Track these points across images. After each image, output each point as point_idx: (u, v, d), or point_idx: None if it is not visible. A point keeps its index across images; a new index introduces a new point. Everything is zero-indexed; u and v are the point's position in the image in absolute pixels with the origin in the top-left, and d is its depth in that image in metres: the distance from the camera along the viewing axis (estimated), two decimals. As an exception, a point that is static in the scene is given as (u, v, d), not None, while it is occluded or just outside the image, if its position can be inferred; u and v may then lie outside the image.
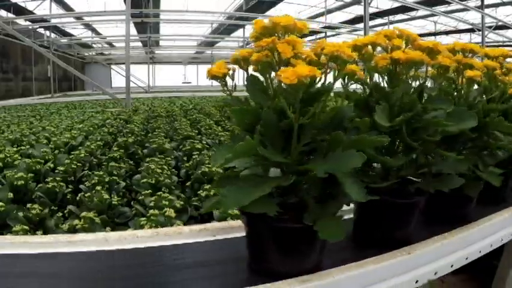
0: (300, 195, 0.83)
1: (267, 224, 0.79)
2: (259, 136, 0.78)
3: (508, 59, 1.41)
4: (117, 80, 22.04)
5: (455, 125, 0.97)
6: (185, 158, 3.77)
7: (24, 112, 8.32)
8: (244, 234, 0.88)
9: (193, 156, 3.52)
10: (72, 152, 3.64)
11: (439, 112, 0.97)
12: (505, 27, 15.04)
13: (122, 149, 3.93)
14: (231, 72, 0.86)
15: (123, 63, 16.84)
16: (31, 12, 15.00)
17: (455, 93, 1.15)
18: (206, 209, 1.54)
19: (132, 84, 9.21)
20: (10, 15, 13.63)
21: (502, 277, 1.59)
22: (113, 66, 24.04)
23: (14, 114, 7.69)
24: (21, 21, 15.34)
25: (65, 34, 19.69)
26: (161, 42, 25.17)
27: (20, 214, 2.15)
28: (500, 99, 1.29)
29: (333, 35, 21.46)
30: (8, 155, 3.34)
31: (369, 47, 0.96)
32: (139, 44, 23.47)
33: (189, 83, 28.03)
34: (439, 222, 1.15)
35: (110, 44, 24.33)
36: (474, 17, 14.51)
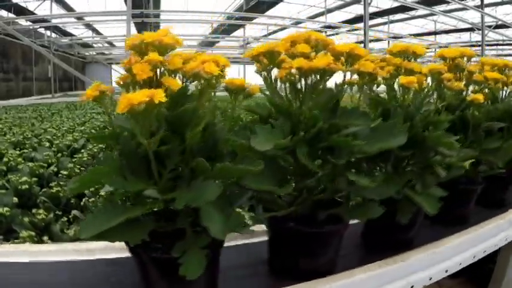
0: (179, 222, 0.74)
1: (144, 252, 0.73)
2: (119, 162, 0.71)
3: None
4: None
5: (377, 144, 0.86)
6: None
7: (26, 113, 8.34)
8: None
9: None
10: (75, 156, 3.67)
11: (360, 128, 0.87)
12: (504, 26, 15.05)
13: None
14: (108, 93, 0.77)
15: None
16: (32, 13, 15.02)
17: (394, 104, 1.03)
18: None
19: (132, 84, 9.20)
20: (11, 15, 13.64)
21: (497, 280, 1.63)
22: (113, 66, 24.06)
23: (16, 115, 7.71)
24: (22, 21, 15.36)
25: (65, 34, 19.70)
26: (161, 42, 25.19)
27: (26, 219, 2.18)
28: (454, 109, 1.24)
29: (333, 34, 21.49)
30: (12, 159, 3.36)
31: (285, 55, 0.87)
32: (140, 43, 23.50)
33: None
34: (380, 248, 1.04)
35: (111, 44, 24.34)
36: (474, 16, 14.53)
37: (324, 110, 0.85)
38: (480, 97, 1.16)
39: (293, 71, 0.83)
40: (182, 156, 0.73)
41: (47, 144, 4.28)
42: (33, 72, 16.69)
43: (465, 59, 1.24)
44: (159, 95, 0.63)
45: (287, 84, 0.86)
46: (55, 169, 3.30)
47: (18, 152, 3.76)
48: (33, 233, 1.98)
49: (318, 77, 0.83)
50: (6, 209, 2.24)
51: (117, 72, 21.46)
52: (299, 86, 0.85)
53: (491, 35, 16.52)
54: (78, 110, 9.62)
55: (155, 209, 0.77)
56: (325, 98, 0.86)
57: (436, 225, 1.22)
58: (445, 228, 1.21)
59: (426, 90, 1.06)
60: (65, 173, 3.14)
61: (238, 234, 0.90)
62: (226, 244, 0.78)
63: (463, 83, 1.23)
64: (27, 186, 2.70)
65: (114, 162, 0.70)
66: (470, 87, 1.32)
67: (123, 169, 0.71)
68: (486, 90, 1.37)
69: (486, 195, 1.37)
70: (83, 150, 3.94)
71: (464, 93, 1.24)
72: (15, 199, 2.51)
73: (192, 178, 0.72)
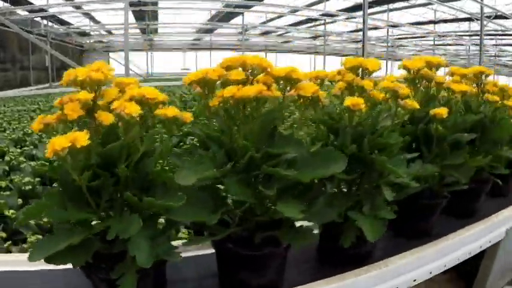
0: (116, 246, 0.77)
1: (90, 272, 0.80)
2: (60, 194, 0.76)
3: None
4: (116, 67, 21.87)
5: (312, 172, 0.85)
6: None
7: (24, 105, 8.33)
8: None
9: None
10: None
11: (297, 155, 0.86)
12: (504, 17, 15.00)
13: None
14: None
15: (122, 50, 16.74)
16: (28, 2, 14.88)
17: (343, 123, 1.00)
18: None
19: (130, 72, 9.18)
20: (6, 5, 13.52)
21: (481, 279, 1.69)
22: (111, 55, 23.93)
23: (14, 108, 7.71)
24: (19, 11, 15.21)
25: (62, 23, 19.52)
26: (160, 30, 25.00)
27: (32, 222, 2.23)
28: (418, 121, 1.22)
29: (332, 22, 21.38)
30: (13, 157, 3.40)
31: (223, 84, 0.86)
32: (138, 30, 23.34)
33: (188, 69, 27.93)
34: (335, 262, 1.05)
35: (109, 32, 24.16)
36: (473, 6, 14.46)
37: (260, 137, 0.85)
38: (443, 112, 1.14)
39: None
40: (116, 187, 0.77)
41: (47, 141, 4.30)
42: (30, 62, 16.59)
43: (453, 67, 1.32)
44: (82, 140, 0.68)
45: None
46: (57, 167, 3.34)
47: (19, 150, 3.79)
48: (40, 236, 2.03)
49: (254, 103, 0.82)
50: (12, 211, 2.29)
51: (115, 61, 21.39)
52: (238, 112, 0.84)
53: (491, 25, 16.47)
54: (76, 101, 9.62)
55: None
56: (261, 124, 0.85)
57: (400, 237, 1.25)
58: (407, 241, 1.23)
59: (380, 107, 1.05)
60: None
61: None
62: (184, 255, 0.83)
63: (425, 97, 1.25)
64: (30, 187, 2.74)
65: (55, 196, 0.76)
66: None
67: (64, 200, 0.76)
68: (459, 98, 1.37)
69: (455, 205, 1.38)
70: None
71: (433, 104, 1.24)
72: (20, 200, 2.55)
73: (123, 209, 0.78)
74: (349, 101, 0.92)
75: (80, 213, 0.75)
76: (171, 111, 0.80)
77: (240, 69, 0.86)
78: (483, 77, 1.41)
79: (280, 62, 29.25)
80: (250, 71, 0.86)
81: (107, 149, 0.75)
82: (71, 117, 0.74)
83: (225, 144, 0.86)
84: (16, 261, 1.05)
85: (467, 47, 23.11)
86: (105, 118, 0.75)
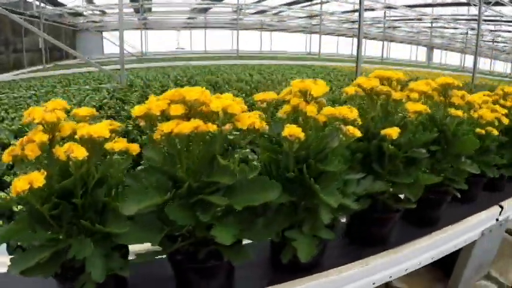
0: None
1: (59, 281, 0.97)
2: (29, 220, 0.91)
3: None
4: (109, 46, 21.77)
5: (246, 200, 0.92)
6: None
7: (20, 91, 8.33)
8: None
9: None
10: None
11: (234, 182, 0.93)
12: (501, 4, 14.91)
13: (122, 137, 4.04)
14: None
15: (116, 30, 16.57)
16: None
17: (285, 149, 1.04)
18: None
19: (124, 52, 9.13)
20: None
21: (457, 276, 1.83)
22: (104, 34, 23.67)
23: (10, 94, 7.70)
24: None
25: (55, 4, 19.25)
26: (154, 8, 24.69)
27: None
28: (372, 137, 1.24)
29: (326, 2, 21.19)
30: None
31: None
32: (132, 10, 23.04)
33: (183, 49, 27.69)
34: (283, 270, 1.15)
35: (102, 12, 23.83)
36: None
37: (200, 167, 0.94)
38: (393, 133, 1.16)
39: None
40: (74, 213, 0.91)
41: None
42: (24, 44, 16.42)
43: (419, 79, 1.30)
44: (38, 181, 0.81)
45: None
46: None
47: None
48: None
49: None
50: (20, 207, 2.37)
51: (109, 41, 21.15)
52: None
53: (491, 12, 16.37)
54: (71, 85, 9.60)
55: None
56: (201, 155, 0.94)
57: (352, 245, 1.35)
58: (360, 249, 1.32)
59: (328, 128, 1.08)
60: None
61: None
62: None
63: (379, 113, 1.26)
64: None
65: (24, 220, 0.90)
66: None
67: (32, 223, 0.90)
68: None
69: (414, 215, 1.48)
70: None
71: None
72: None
73: (81, 232, 0.91)
74: (287, 131, 0.97)
75: (46, 235, 0.90)
76: (119, 145, 0.94)
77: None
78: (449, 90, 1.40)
79: (276, 42, 29.09)
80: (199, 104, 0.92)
81: (61, 184, 0.89)
82: (30, 158, 0.87)
83: (168, 173, 0.95)
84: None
85: (466, 31, 22.96)
86: (61, 154, 0.88)
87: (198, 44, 27.38)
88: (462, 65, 25.67)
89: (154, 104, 0.90)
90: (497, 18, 18.41)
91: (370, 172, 1.25)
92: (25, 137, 0.90)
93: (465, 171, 1.44)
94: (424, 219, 1.54)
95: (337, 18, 25.62)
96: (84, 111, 0.99)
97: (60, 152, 0.88)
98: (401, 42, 28.79)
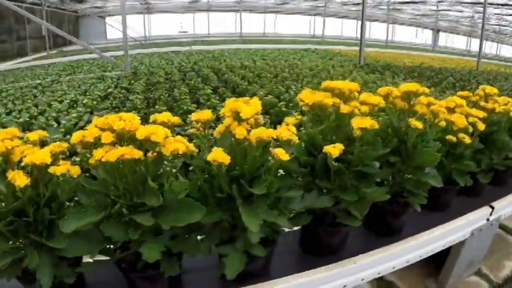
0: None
1: (22, 283, 1.11)
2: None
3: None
4: (112, 31, 21.70)
5: (172, 221, 1.01)
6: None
7: (25, 80, 8.40)
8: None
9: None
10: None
11: (166, 203, 1.03)
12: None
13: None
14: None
15: (118, 15, 16.43)
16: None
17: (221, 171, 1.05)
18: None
19: (127, 37, 9.14)
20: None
21: (447, 271, 1.90)
22: (107, 19, 23.58)
23: (15, 84, 7.77)
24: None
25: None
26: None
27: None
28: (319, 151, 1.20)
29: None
30: (24, 145, 3.53)
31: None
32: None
33: (186, 32, 27.54)
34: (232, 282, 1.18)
35: (103, -4, 23.67)
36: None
37: (133, 189, 1.03)
38: (335, 151, 1.14)
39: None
40: (27, 228, 1.04)
41: (54, 124, 4.42)
42: (27, 31, 16.42)
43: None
44: None
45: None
46: (67, 154, 3.48)
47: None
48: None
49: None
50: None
51: (112, 26, 21.06)
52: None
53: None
54: (76, 73, 9.64)
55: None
56: (132, 179, 1.02)
57: (309, 255, 1.39)
58: (316, 257, 1.36)
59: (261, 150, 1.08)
60: (77, 159, 3.34)
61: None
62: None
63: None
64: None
65: None
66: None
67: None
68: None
69: (374, 224, 1.49)
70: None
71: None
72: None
73: (33, 244, 1.04)
74: (210, 156, 1.01)
75: (7, 245, 1.04)
76: (60, 169, 1.01)
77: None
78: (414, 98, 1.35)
79: (280, 24, 28.85)
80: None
81: (12, 206, 1.01)
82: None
83: (104, 194, 1.05)
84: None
85: (472, 14, 22.62)
86: (19, 180, 0.98)
87: (201, 27, 27.23)
88: (468, 48, 25.39)
89: (89, 132, 1.01)
90: (505, 1, 18.10)
91: (318, 187, 1.26)
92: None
93: (427, 183, 1.41)
94: (383, 229, 1.52)
95: (341, 0, 25.32)
96: (34, 135, 1.12)
97: (10, 177, 0.99)
98: (405, 24, 28.43)
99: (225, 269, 1.10)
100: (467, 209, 1.77)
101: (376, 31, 27.17)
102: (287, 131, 1.10)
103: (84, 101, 5.50)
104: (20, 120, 4.50)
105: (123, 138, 1.01)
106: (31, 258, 1.01)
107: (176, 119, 1.12)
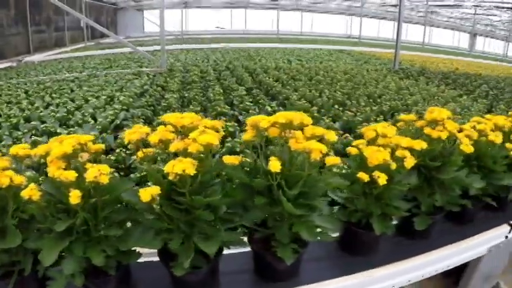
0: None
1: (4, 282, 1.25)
2: None
3: None
4: (150, 24, 21.96)
5: (132, 243, 1.20)
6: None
7: (62, 73, 8.52)
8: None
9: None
10: (119, 136, 3.83)
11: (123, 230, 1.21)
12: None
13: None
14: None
15: (156, 9, 16.57)
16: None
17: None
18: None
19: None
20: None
21: (464, 285, 1.91)
22: (145, 12, 23.90)
23: (52, 77, 7.89)
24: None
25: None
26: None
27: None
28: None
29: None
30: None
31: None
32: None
33: (223, 28, 27.61)
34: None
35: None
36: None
37: (97, 214, 1.16)
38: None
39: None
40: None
41: (91, 120, 4.42)
42: (65, 22, 16.77)
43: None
44: None
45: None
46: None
47: (65, 132, 3.92)
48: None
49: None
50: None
51: (149, 20, 21.30)
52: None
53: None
54: (112, 67, 9.74)
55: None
56: (95, 206, 1.16)
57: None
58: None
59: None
60: (113, 158, 3.32)
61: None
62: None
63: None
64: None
65: None
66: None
67: None
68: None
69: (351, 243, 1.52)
70: (124, 127, 4.10)
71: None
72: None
73: None
74: (171, 169, 1.10)
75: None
76: (27, 193, 1.10)
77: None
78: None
79: (316, 23, 28.53)
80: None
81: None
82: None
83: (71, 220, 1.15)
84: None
85: (510, 18, 21.76)
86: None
87: (238, 23, 27.24)
88: (505, 53, 24.44)
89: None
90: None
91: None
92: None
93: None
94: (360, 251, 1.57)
95: (379, 1, 24.84)
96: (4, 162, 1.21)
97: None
98: (440, 27, 27.64)
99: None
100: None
101: (413, 33, 26.53)
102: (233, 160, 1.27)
103: (121, 98, 5.48)
104: (58, 115, 4.52)
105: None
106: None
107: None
